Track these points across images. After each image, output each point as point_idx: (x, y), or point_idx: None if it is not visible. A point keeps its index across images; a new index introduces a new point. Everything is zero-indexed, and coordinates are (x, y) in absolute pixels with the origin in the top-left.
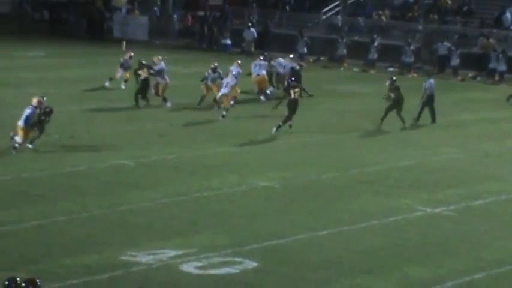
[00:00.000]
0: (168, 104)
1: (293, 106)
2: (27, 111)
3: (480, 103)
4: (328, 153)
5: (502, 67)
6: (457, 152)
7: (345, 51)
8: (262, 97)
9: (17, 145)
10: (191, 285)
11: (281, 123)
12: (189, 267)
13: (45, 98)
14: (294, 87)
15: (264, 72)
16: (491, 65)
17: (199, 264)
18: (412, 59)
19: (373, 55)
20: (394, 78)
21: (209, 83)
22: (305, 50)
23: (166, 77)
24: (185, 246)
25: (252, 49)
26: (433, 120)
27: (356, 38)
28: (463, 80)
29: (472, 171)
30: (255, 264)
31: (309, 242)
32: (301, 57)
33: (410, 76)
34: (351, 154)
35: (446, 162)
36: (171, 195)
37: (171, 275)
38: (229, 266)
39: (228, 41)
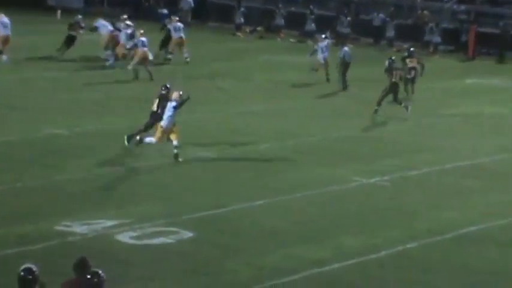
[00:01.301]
0: None
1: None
2: None
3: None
4: (265, 123)
5: (437, 39)
6: (393, 123)
7: (282, 21)
8: None
9: None
10: (126, 255)
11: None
12: (125, 237)
13: None
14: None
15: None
16: (426, 37)
17: (135, 234)
18: (348, 30)
19: (310, 26)
20: (393, 58)
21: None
22: (242, 20)
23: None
24: (121, 217)
25: (189, 19)
26: (345, 87)
27: (293, 8)
28: (398, 51)
29: (407, 142)
30: (190, 234)
31: (245, 212)
32: (237, 27)
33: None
34: (288, 125)
35: (382, 133)
36: (106, 165)
37: (106, 245)
38: (164, 236)
39: (165, 11)
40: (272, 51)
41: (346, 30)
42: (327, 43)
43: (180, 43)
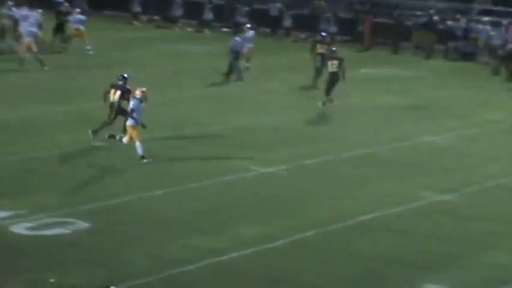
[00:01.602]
0: None
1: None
2: None
3: (312, 63)
4: (163, 112)
5: (333, 29)
6: (290, 113)
7: (179, 11)
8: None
9: None
10: (21, 246)
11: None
12: (19, 228)
13: None
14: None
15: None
16: (322, 27)
17: (30, 225)
18: (245, 19)
19: (208, 15)
20: (334, 48)
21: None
22: (139, 9)
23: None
24: (15, 207)
25: (85, 6)
26: (227, 74)
27: None
28: (295, 41)
29: (304, 132)
30: (87, 224)
31: (142, 202)
32: (134, 16)
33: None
34: (185, 114)
35: (278, 123)
36: (0, 155)
37: (0, 236)
38: (61, 226)
39: None
40: (170, 40)
41: (243, 19)
42: (253, 33)
43: (79, 34)
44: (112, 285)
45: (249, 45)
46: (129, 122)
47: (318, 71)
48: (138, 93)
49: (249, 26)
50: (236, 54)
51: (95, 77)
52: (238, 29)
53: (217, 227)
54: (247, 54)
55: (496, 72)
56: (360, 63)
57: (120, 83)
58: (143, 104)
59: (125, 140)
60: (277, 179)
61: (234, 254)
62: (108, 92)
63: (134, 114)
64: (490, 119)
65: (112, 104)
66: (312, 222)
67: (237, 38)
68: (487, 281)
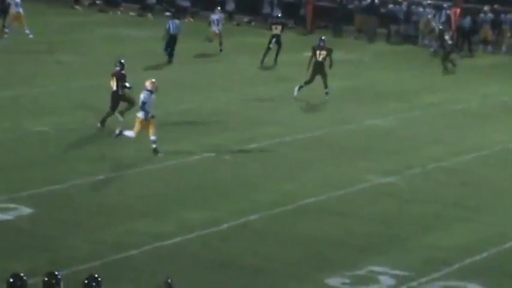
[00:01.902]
0: None
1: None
2: None
3: (256, 47)
4: (104, 97)
5: (277, 12)
6: (233, 96)
7: None
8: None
9: None
10: None
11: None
12: None
13: None
14: None
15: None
16: (265, 10)
17: None
18: (188, 3)
19: None
20: (323, 38)
21: None
22: None
23: None
24: None
25: None
26: (170, 61)
27: None
28: (238, 24)
29: (246, 115)
30: (30, 210)
31: (86, 188)
32: (77, 1)
33: (186, 20)
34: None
35: (222, 106)
36: None
37: None
38: (3, 212)
39: None
40: (112, 25)
41: (186, 3)
42: (219, 16)
43: (17, 18)
44: (56, 271)
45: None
46: (139, 115)
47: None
48: (148, 84)
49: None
50: (173, 38)
51: (36, 61)
52: (178, 13)
53: (162, 212)
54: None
55: (434, 54)
56: (303, 46)
57: (117, 69)
58: (153, 96)
59: (133, 133)
60: (221, 163)
61: (178, 238)
62: (111, 80)
63: (146, 107)
64: (432, 102)
65: (112, 92)
66: (256, 206)
67: (176, 21)
68: (429, 262)
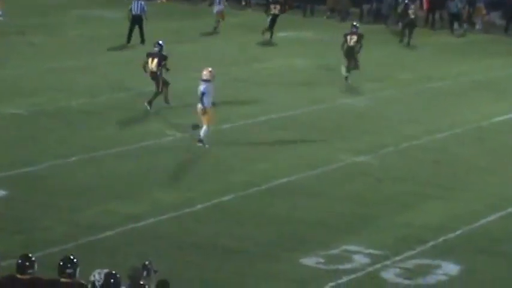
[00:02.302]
0: None
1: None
2: None
3: (229, 28)
4: (78, 79)
5: None
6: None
7: None
8: None
9: None
10: None
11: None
12: None
13: None
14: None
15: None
16: None
17: None
18: None
19: None
20: (355, 23)
21: None
22: None
23: None
24: None
25: None
26: (142, 41)
27: None
28: (210, 5)
29: (220, 95)
30: (3, 192)
31: (60, 169)
32: None
33: (159, 1)
34: (100, 80)
35: (194, 87)
36: None
37: None
38: None
39: None
40: (85, 6)
41: None
42: None
43: None
44: (30, 253)
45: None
46: (200, 105)
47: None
48: (205, 73)
49: None
50: (138, 18)
51: (8, 44)
52: None
53: (135, 193)
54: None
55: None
56: (276, 26)
57: (156, 49)
58: (212, 84)
59: (205, 127)
60: (195, 143)
61: (152, 219)
62: (146, 62)
63: (205, 97)
64: (406, 81)
65: (152, 73)
66: (230, 187)
67: (141, 2)
68: (403, 240)
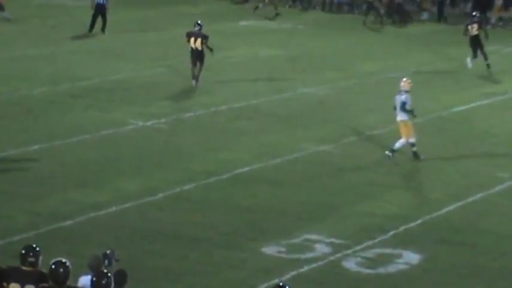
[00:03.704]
0: None
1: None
2: None
3: (191, 17)
4: (39, 67)
5: None
6: (167, 66)
7: None
8: None
9: None
10: None
11: None
12: None
13: None
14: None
15: None
16: None
17: None
18: None
19: None
20: (476, 13)
21: None
22: None
23: None
24: None
25: None
26: (102, 29)
27: None
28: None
29: (181, 85)
30: None
31: (21, 158)
32: None
33: None
34: (62, 68)
35: (157, 76)
36: None
37: None
38: None
39: None
40: None
41: None
42: None
43: None
44: None
45: None
46: (402, 117)
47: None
48: (404, 85)
49: None
50: (96, 7)
51: None
52: None
53: (97, 181)
54: None
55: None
56: (238, 15)
57: (196, 29)
58: (410, 95)
59: (403, 141)
60: (157, 132)
61: (114, 208)
62: (188, 41)
63: (406, 108)
64: (367, 71)
65: (193, 49)
66: (191, 175)
67: None
68: (364, 229)
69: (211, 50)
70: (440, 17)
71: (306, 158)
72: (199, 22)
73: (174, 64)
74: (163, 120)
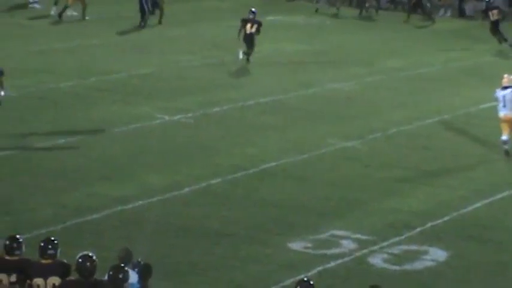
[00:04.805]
0: None
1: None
2: None
3: (217, 12)
4: (66, 61)
5: None
6: (195, 60)
7: None
8: None
9: None
10: None
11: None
12: None
13: None
14: None
15: None
16: None
17: None
18: None
19: None
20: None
21: None
22: None
23: None
24: None
25: None
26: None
27: None
28: None
29: (209, 79)
30: None
31: (48, 151)
32: None
33: None
34: (89, 62)
35: (184, 70)
36: None
37: None
38: None
39: None
40: None
41: None
42: None
43: None
44: (17, 234)
45: None
46: (504, 112)
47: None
48: (506, 80)
49: None
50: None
51: None
52: None
53: (124, 175)
54: None
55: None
56: (265, 10)
57: (251, 16)
58: None
59: (504, 137)
60: (183, 126)
61: (140, 202)
62: (243, 26)
63: (509, 104)
64: (394, 67)
65: (250, 34)
66: (218, 170)
67: None
68: (391, 226)
69: (258, 32)
70: (462, 13)
71: (333, 153)
72: (253, 10)
73: (200, 59)
74: (190, 114)
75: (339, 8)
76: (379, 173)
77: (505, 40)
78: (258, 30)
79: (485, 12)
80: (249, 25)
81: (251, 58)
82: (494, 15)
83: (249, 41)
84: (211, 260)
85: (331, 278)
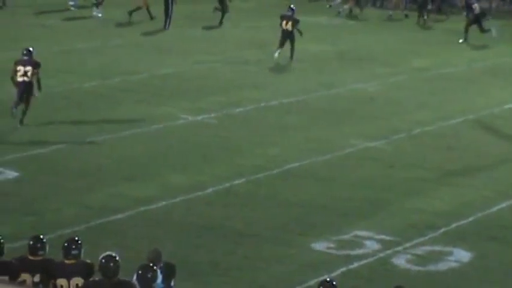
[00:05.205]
0: None
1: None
2: None
3: (241, 12)
4: (89, 61)
5: None
6: (217, 60)
7: None
8: None
9: None
10: None
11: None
12: None
13: None
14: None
15: None
16: None
17: None
18: None
19: None
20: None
21: None
22: None
23: None
24: None
25: None
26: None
27: None
28: None
29: (231, 79)
30: (15, 174)
31: (71, 151)
32: None
33: None
34: (111, 62)
35: (206, 71)
36: None
37: None
38: None
39: None
40: None
41: None
42: None
43: None
44: (41, 234)
45: None
46: None
47: None
48: None
49: None
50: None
51: (19, 25)
52: None
53: (147, 176)
54: None
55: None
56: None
57: (289, 13)
58: None
59: None
60: (206, 127)
61: (163, 203)
62: (280, 23)
63: None
64: (418, 67)
65: (283, 31)
66: (241, 170)
67: None
68: (415, 226)
69: (300, 33)
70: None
71: (356, 154)
72: (292, 6)
73: (223, 59)
74: (213, 115)
75: (362, 9)
76: (403, 173)
77: (486, 31)
78: (295, 28)
79: (468, 7)
80: (284, 22)
81: (292, 60)
82: (476, 8)
83: (285, 37)
84: (233, 260)
85: (354, 278)
